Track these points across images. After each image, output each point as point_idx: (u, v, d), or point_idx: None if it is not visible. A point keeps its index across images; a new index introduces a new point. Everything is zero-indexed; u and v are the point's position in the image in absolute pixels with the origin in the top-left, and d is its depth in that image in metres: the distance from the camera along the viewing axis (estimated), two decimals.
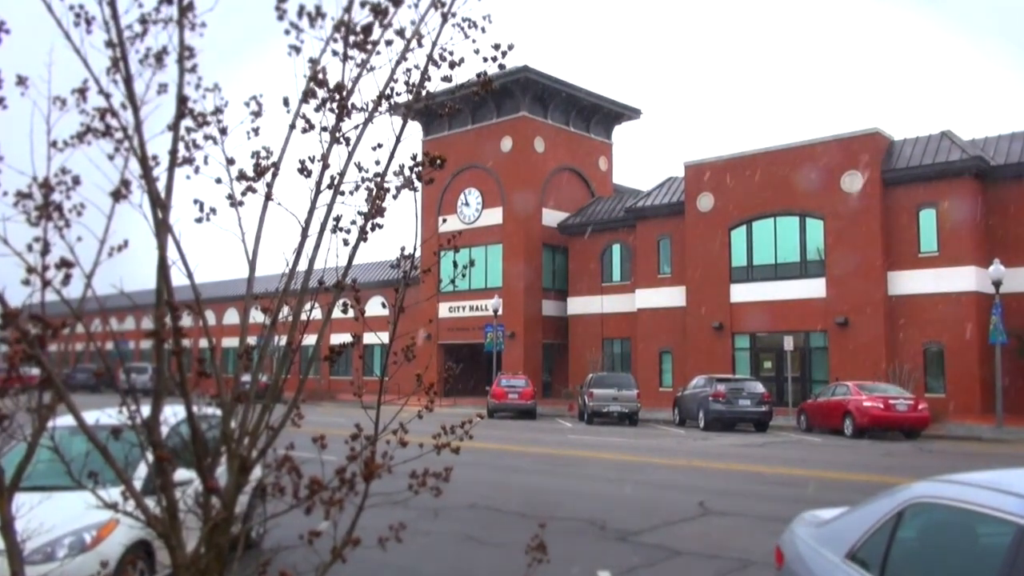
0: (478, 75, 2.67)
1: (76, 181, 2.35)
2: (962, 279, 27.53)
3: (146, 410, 2.42)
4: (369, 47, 2.50)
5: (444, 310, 41.31)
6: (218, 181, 2.52)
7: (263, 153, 2.57)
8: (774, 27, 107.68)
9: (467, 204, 41.96)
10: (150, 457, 2.42)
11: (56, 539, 5.19)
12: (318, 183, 2.56)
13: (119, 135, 2.35)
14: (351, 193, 2.59)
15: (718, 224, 32.83)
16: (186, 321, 2.46)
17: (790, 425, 25.48)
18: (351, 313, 2.65)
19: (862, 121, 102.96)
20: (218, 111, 2.49)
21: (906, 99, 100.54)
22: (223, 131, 2.50)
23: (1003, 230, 27.81)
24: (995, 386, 23.45)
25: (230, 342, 44.49)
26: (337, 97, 2.49)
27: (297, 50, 2.50)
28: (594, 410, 26.65)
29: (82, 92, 2.35)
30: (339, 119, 2.52)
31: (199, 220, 2.51)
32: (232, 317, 52.09)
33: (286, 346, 2.59)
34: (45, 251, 2.27)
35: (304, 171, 2.54)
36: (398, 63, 2.55)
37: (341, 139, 2.55)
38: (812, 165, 30.48)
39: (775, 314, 31.03)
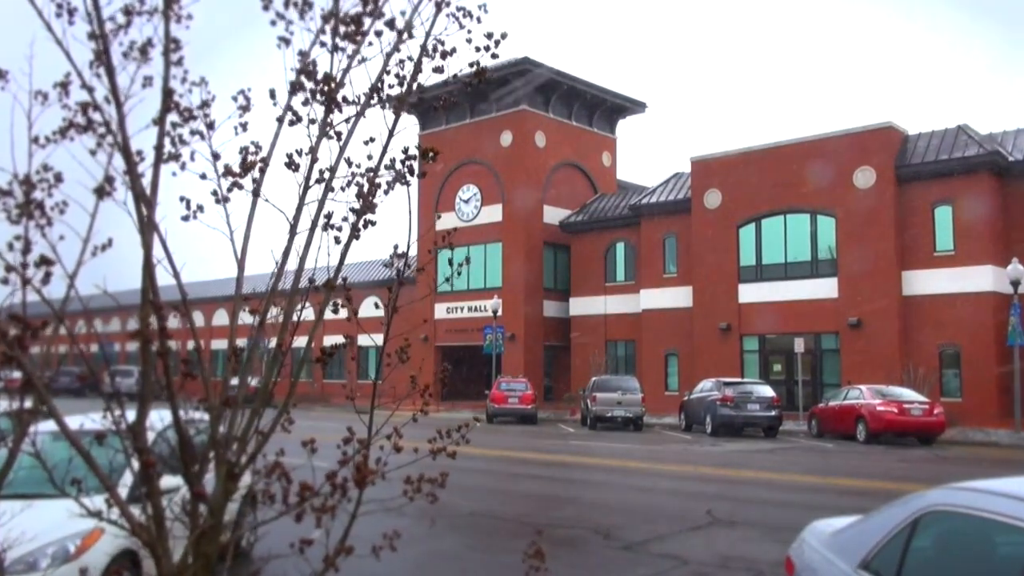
0: (471, 64, 2.59)
1: (58, 178, 2.30)
2: (979, 278, 27.01)
3: (131, 415, 2.36)
4: (360, 38, 2.43)
5: (441, 311, 40.42)
6: (203, 177, 2.45)
7: (251, 148, 2.50)
8: (784, 18, 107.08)
9: (465, 201, 40.91)
10: (135, 464, 2.37)
11: (39, 548, 5.06)
12: (307, 178, 2.48)
13: (102, 130, 2.30)
14: (342, 189, 2.51)
15: (726, 222, 32.35)
16: (172, 322, 2.40)
17: (801, 430, 25.27)
18: (343, 314, 2.58)
19: (875, 115, 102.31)
20: (205, 105, 2.43)
21: (920, 92, 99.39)
22: (210, 126, 2.43)
23: (1022, 227, 27.27)
24: (1013, 390, 23.08)
25: (219, 344, 44.33)
26: (326, 88, 2.42)
27: (286, 42, 2.44)
28: (597, 415, 26.30)
29: (64, 86, 2.30)
30: (328, 111, 2.44)
31: (186, 218, 2.45)
32: (220, 318, 51.08)
33: (276, 348, 2.52)
34: (26, 250, 2.22)
35: (292, 165, 2.47)
36: (390, 55, 2.48)
37: (332, 133, 2.48)
38: (823, 160, 29.92)
39: (785, 315, 30.62)
